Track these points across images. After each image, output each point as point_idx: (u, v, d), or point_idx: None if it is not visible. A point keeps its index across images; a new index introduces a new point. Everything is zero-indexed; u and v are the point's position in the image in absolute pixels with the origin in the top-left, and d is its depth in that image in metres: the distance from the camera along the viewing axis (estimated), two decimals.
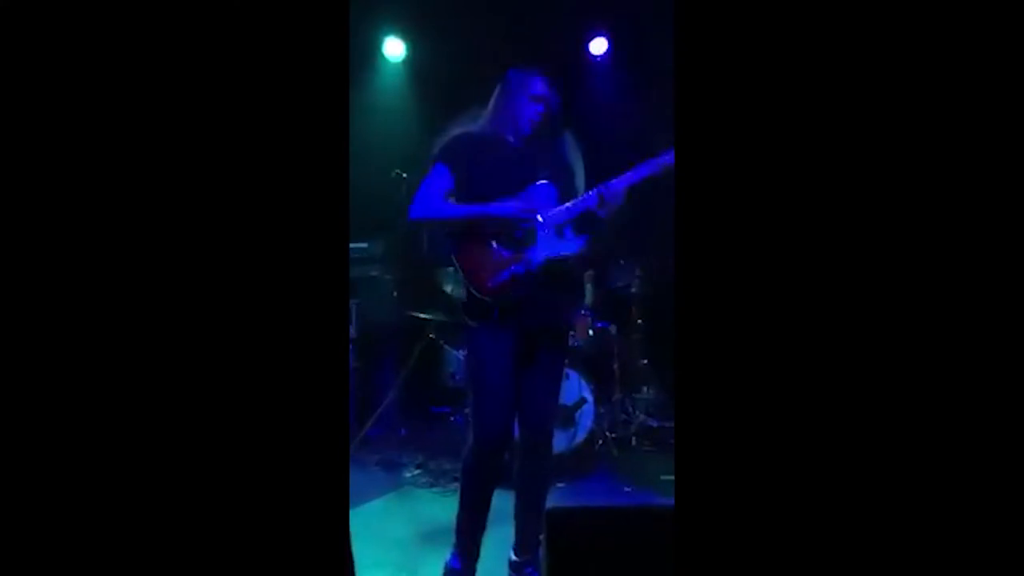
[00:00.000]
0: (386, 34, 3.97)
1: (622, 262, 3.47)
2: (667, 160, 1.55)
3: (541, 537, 1.46)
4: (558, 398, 1.78)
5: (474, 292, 1.62)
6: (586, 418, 2.89)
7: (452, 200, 1.69)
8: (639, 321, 3.47)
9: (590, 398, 2.90)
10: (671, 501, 2.70)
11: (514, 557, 1.76)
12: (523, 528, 1.75)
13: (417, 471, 2.88)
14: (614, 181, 1.58)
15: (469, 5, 3.63)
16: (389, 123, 3.86)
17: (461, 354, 3.06)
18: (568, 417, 2.85)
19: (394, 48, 4.00)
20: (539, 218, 1.64)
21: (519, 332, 1.63)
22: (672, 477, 2.78)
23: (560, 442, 2.78)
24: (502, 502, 1.75)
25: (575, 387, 2.89)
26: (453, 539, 1.74)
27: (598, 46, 3.97)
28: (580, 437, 2.87)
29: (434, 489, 2.68)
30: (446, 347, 3.25)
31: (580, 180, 1.77)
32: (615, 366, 3.29)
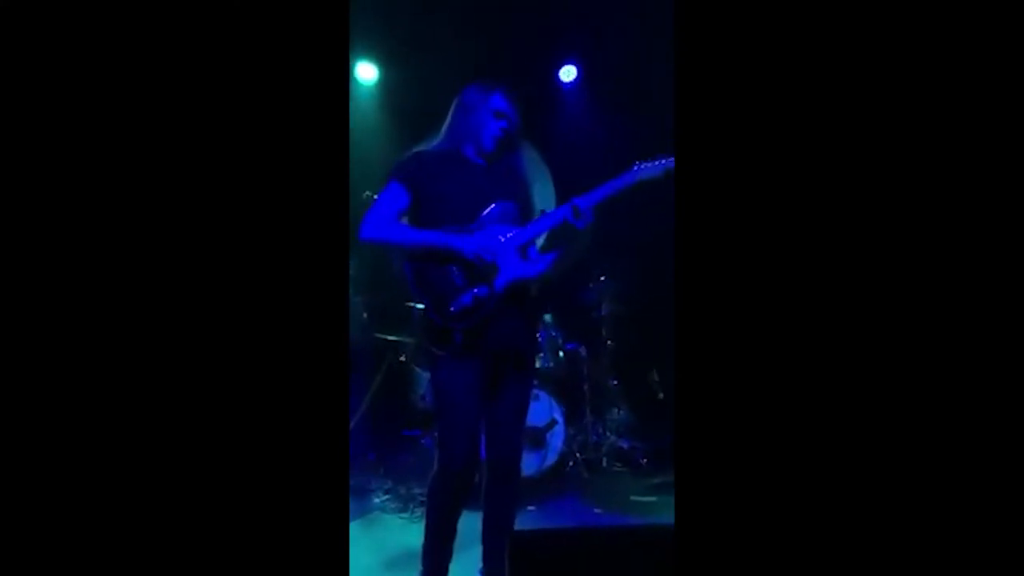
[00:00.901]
0: (359, 58, 4.00)
1: (591, 284, 3.50)
2: (639, 173, 1.58)
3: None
4: (525, 421, 1.77)
5: (435, 318, 1.60)
6: (557, 439, 2.89)
7: (406, 220, 1.66)
8: (608, 342, 3.50)
9: (561, 419, 2.90)
10: (641, 521, 2.68)
11: None
12: (491, 551, 1.73)
13: (386, 496, 2.83)
14: (588, 194, 1.58)
15: (441, 30, 3.69)
16: (361, 145, 3.86)
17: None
18: (539, 439, 2.85)
19: (366, 72, 4.03)
20: (501, 238, 1.62)
21: (484, 357, 1.61)
22: (642, 498, 2.80)
23: (531, 464, 2.77)
24: (470, 525, 1.74)
25: (546, 408, 2.89)
26: (420, 564, 1.71)
27: (567, 73, 4.06)
28: (551, 459, 2.86)
29: (403, 515, 2.64)
30: (416, 369, 3.23)
31: (548, 194, 1.77)
32: (585, 387, 3.30)
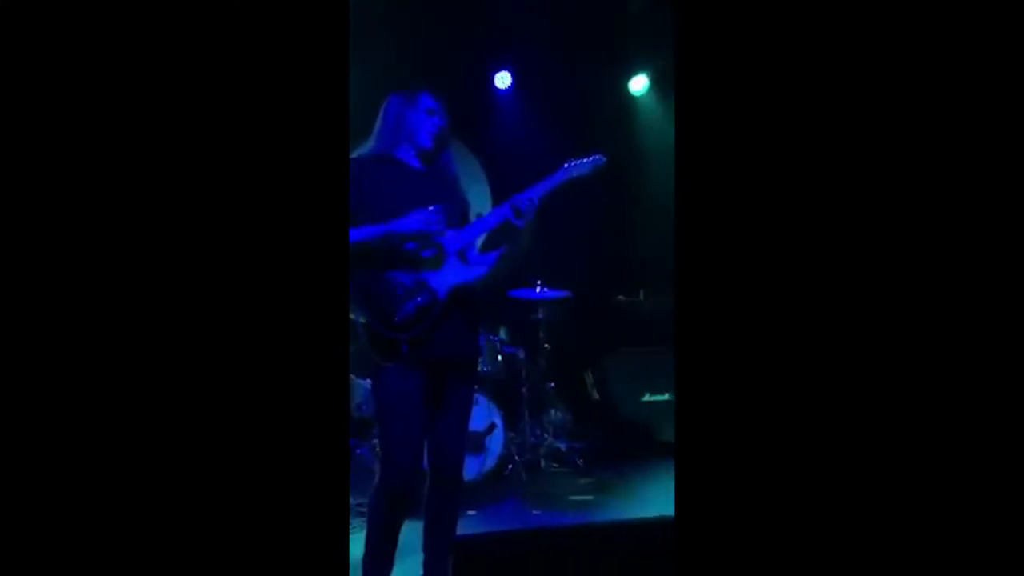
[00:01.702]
0: None
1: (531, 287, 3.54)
2: (570, 171, 1.60)
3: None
4: (467, 428, 1.78)
5: (379, 329, 1.58)
6: (496, 443, 2.91)
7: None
8: (546, 345, 3.55)
9: (500, 423, 2.92)
10: (581, 519, 2.72)
11: None
12: (432, 559, 1.73)
13: None
14: (526, 191, 1.60)
15: (376, 38, 3.64)
16: None
17: (367, 383, 2.99)
18: (478, 443, 2.86)
19: None
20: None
21: (428, 365, 1.60)
22: (580, 497, 2.87)
23: (471, 468, 2.77)
24: (410, 533, 1.73)
25: (485, 413, 2.90)
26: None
27: (502, 79, 4.10)
28: (490, 462, 2.88)
29: None
30: (352, 377, 3.17)
31: (484, 197, 1.77)
32: (524, 390, 3.34)
